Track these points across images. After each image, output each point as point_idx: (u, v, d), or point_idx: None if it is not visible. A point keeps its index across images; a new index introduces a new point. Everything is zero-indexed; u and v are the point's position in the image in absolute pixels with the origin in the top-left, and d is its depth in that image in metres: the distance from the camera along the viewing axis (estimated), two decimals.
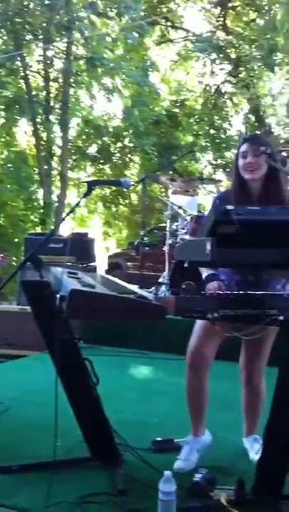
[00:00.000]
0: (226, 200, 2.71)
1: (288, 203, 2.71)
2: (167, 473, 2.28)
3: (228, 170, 7.54)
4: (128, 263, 10.56)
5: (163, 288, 6.68)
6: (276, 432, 2.33)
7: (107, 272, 10.19)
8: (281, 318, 2.31)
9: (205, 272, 2.80)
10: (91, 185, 2.67)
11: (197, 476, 2.48)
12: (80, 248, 7.11)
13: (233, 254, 2.20)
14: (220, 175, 17.89)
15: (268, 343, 2.88)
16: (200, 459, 2.84)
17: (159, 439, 3.08)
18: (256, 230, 2.13)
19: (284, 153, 6.33)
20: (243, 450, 3.01)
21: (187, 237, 6.37)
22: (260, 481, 2.37)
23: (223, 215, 2.13)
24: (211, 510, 2.32)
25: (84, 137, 19.05)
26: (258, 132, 15.16)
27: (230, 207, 2.14)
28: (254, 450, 2.82)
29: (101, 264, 10.60)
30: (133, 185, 12.16)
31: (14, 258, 12.83)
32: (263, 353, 2.93)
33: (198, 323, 2.85)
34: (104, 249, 19.21)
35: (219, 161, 19.05)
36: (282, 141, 15.32)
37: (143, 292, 2.60)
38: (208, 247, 2.12)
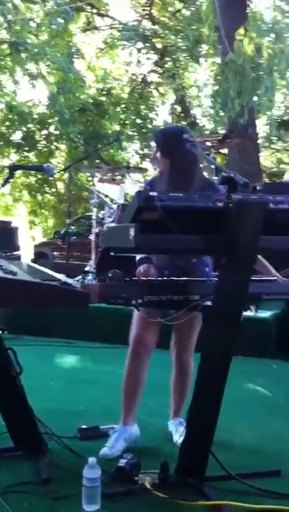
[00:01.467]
0: (155, 185, 2.86)
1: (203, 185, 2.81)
2: (92, 459, 2.28)
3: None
4: (55, 252, 10.45)
5: (90, 277, 6.66)
6: (198, 415, 2.37)
7: (33, 261, 10.04)
8: (203, 303, 2.36)
9: (138, 255, 2.84)
10: (13, 170, 2.62)
11: (122, 462, 2.50)
12: (3, 237, 6.97)
13: (157, 240, 2.21)
14: (147, 164, 17.99)
15: (198, 324, 2.94)
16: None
17: (84, 426, 3.08)
18: (179, 217, 2.14)
19: (208, 143, 6.43)
20: (168, 434, 3.06)
21: (113, 225, 6.36)
22: (183, 463, 2.41)
23: (146, 202, 2.13)
24: (135, 495, 2.34)
25: (8, 123, 18.58)
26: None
27: (153, 193, 2.14)
28: (178, 433, 2.88)
29: (26, 253, 10.43)
30: (59, 172, 12.03)
31: None
32: (193, 333, 2.99)
33: (136, 314, 2.89)
34: (30, 238, 18.90)
35: (146, 151, 19.11)
36: (207, 132, 15.54)
37: (67, 280, 2.58)
38: (132, 233, 2.12)
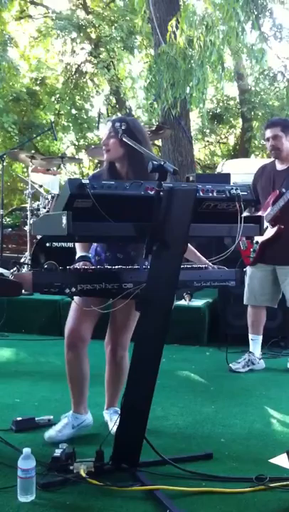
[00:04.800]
0: (99, 179, 2.72)
1: None
2: (26, 450, 2.27)
3: (92, 147, 7.56)
4: None
5: (25, 269, 6.56)
6: (132, 401, 2.39)
7: None
8: (137, 291, 2.37)
9: (79, 253, 2.82)
10: None
11: (57, 451, 2.49)
12: None
13: (89, 228, 2.21)
14: (83, 156, 17.86)
15: (134, 317, 2.90)
16: None
17: (19, 418, 3.04)
18: (111, 204, 2.15)
19: None
20: (104, 423, 3.08)
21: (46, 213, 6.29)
22: (118, 450, 2.43)
23: (79, 189, 2.12)
24: (70, 484, 2.34)
25: None
26: (118, 114, 15.32)
27: (85, 181, 2.14)
28: (113, 421, 2.89)
29: None
30: None
31: None
32: (128, 327, 2.99)
33: (73, 305, 2.87)
34: None
35: (82, 142, 18.96)
36: (142, 123, 15.57)
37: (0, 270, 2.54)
38: (64, 221, 2.11)
